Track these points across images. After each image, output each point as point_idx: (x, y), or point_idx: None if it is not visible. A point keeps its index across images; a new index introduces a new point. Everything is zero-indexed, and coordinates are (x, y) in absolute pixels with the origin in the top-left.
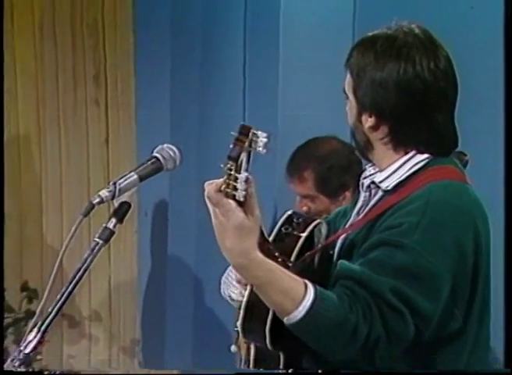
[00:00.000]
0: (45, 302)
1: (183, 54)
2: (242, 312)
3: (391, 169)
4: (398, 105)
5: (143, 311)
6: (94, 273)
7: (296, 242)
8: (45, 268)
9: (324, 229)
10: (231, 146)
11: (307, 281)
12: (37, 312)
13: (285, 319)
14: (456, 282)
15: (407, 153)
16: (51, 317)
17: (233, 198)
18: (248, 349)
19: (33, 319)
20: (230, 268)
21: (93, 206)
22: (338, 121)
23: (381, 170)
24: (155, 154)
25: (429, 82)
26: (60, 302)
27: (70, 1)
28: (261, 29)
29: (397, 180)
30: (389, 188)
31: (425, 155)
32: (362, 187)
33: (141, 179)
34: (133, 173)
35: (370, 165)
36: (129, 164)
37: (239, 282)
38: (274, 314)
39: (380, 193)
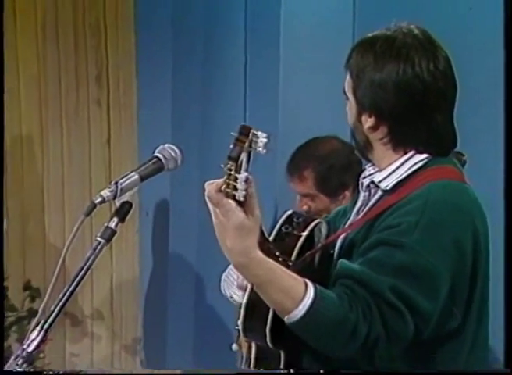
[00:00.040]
0: (48, 301)
1: (185, 54)
2: (243, 311)
3: (390, 168)
4: (397, 105)
5: (144, 310)
6: (96, 272)
7: (297, 241)
8: (48, 267)
9: (324, 228)
10: (231, 146)
11: (307, 280)
12: (40, 310)
13: (285, 318)
14: (455, 281)
15: (406, 153)
16: (53, 316)
17: (233, 198)
18: (249, 348)
19: (36, 318)
20: (231, 266)
21: (95, 206)
22: (338, 121)
23: (380, 170)
24: (157, 154)
25: (428, 82)
26: (62, 301)
27: (72, 1)
28: (262, 29)
29: (396, 180)
30: (388, 188)
31: (424, 155)
32: (362, 186)
33: (142, 179)
34: (134, 173)
35: (369, 164)
36: (130, 164)
37: (240, 288)
38: (274, 313)
39: (379, 193)
